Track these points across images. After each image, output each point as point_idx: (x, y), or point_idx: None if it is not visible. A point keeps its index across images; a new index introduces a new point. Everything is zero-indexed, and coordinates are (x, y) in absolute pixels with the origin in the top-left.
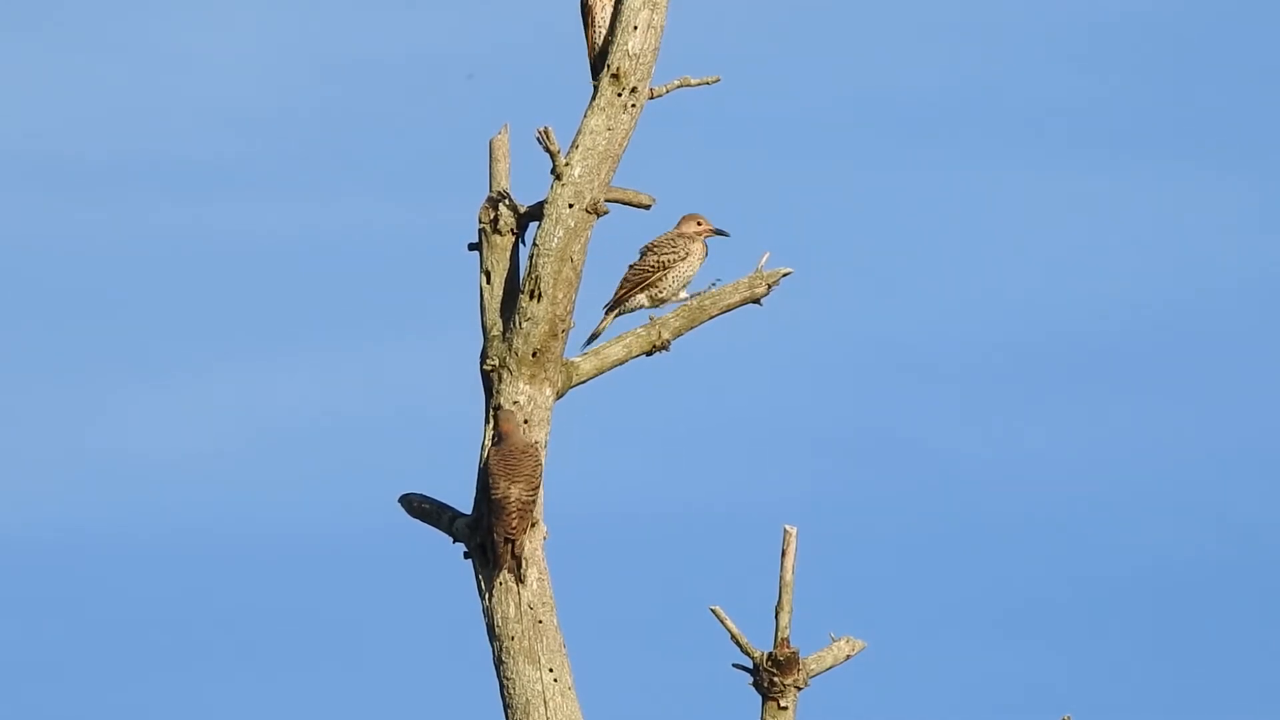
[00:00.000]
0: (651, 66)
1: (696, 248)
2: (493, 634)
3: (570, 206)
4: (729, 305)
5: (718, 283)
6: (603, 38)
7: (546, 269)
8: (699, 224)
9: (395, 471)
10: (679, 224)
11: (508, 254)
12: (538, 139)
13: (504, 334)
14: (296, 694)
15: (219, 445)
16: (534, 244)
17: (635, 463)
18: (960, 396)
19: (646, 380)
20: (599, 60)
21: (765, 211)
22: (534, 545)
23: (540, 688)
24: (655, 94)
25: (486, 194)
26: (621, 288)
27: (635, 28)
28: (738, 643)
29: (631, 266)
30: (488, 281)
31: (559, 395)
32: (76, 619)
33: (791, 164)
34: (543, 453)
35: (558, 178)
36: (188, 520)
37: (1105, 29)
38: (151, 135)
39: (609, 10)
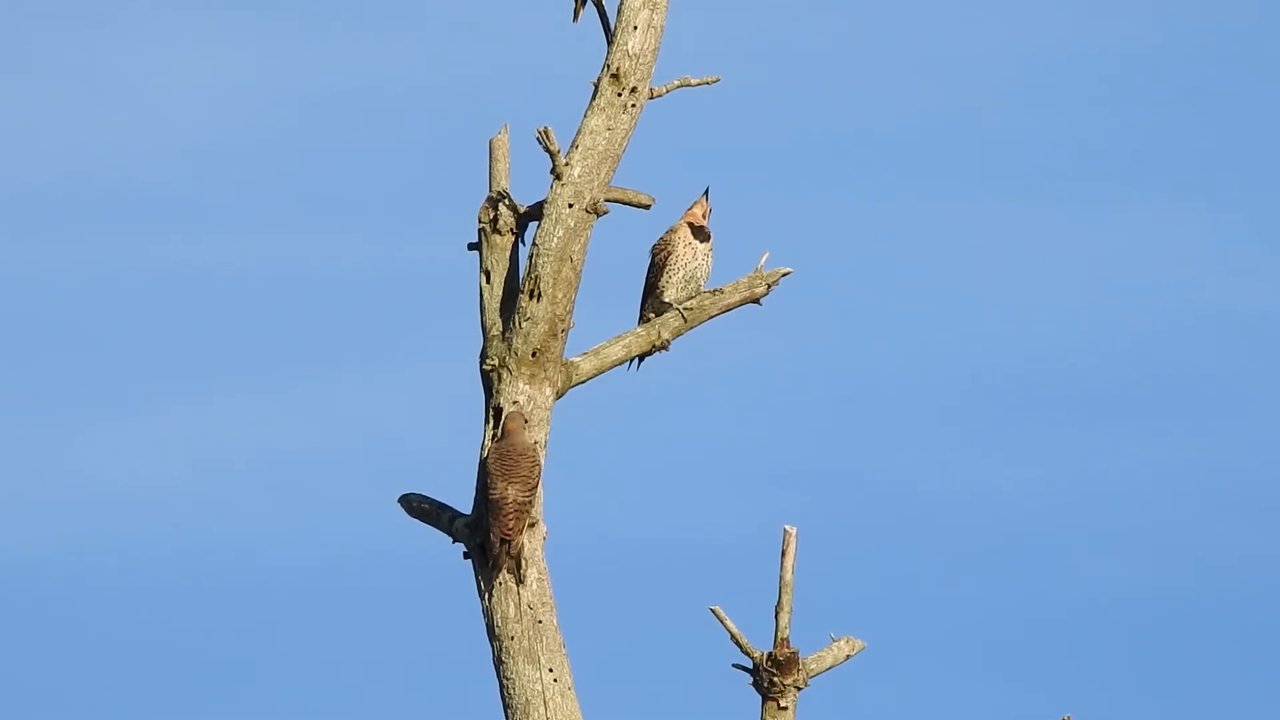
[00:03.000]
0: (651, 66)
1: (679, 237)
2: (492, 634)
3: (570, 206)
4: (729, 305)
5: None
6: None
7: (546, 269)
8: (701, 208)
9: (388, 481)
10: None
11: (507, 254)
12: (537, 139)
13: (504, 334)
14: (303, 691)
15: (204, 472)
16: (534, 244)
17: (636, 465)
18: (924, 430)
19: (646, 383)
20: None
21: (764, 212)
22: (533, 545)
23: (540, 688)
24: (655, 94)
25: (485, 195)
26: (645, 295)
27: (635, 28)
28: (737, 643)
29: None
30: (487, 281)
31: (559, 395)
32: (38, 643)
33: (776, 176)
34: (542, 453)
35: (557, 177)
36: (161, 548)
37: (1072, 67)
38: (107, 168)
39: None
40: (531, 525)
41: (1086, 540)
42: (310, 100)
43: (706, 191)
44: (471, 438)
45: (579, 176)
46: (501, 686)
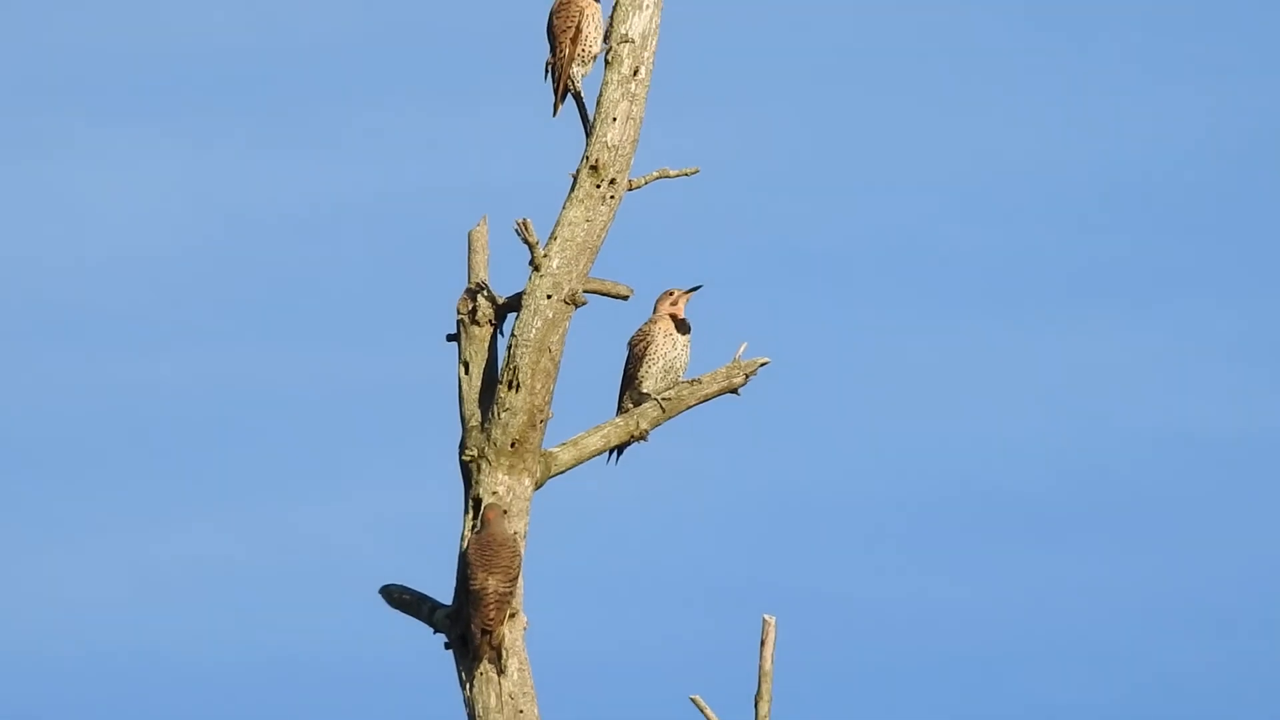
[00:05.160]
0: (630, 158)
1: (658, 329)
2: None
3: (548, 297)
4: (707, 395)
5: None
6: (585, 57)
7: (525, 359)
8: (671, 300)
9: (371, 577)
10: (655, 304)
11: (486, 345)
12: (516, 231)
13: (483, 424)
14: None
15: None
16: (512, 335)
17: (615, 554)
18: (872, 543)
19: (624, 473)
20: (561, 88)
21: (742, 302)
22: (514, 635)
23: None
24: (634, 185)
25: (465, 286)
26: (623, 386)
27: (614, 119)
28: None
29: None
30: (466, 372)
31: (538, 485)
32: None
33: (746, 274)
34: (522, 543)
35: (536, 269)
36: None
37: (1034, 187)
38: (55, 286)
39: (593, 30)
40: (512, 615)
41: (1029, 656)
42: (251, 215)
43: (698, 287)
44: (451, 529)
45: (557, 268)
46: None
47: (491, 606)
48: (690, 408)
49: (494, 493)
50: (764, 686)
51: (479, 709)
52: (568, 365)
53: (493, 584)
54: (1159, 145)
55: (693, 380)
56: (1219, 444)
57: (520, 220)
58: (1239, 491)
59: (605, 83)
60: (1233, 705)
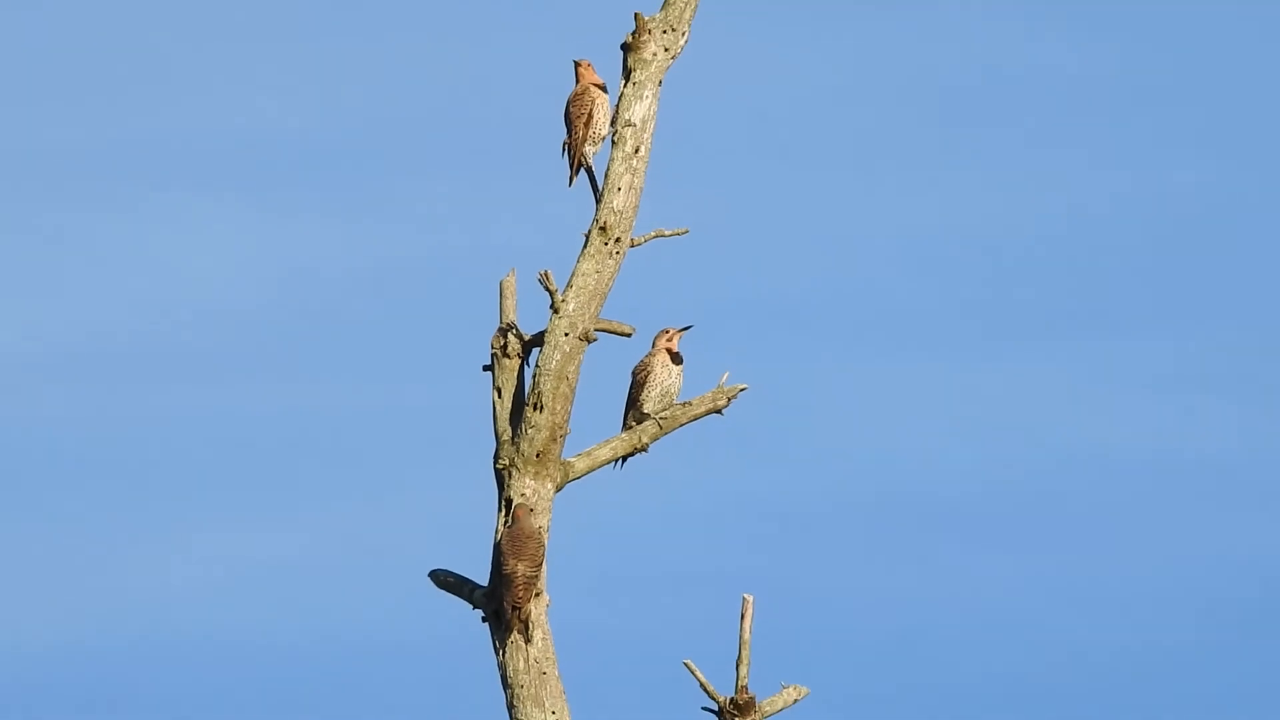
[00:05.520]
0: (632, 220)
1: (657, 361)
2: (505, 683)
3: (566, 335)
4: (695, 415)
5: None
6: (595, 138)
7: (547, 385)
8: (667, 337)
9: (421, 564)
10: (655, 339)
11: (515, 374)
12: (539, 280)
13: (513, 439)
14: None
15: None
16: (537, 365)
17: (622, 546)
18: (825, 540)
19: (628, 479)
20: (575, 164)
21: (724, 339)
22: (539, 611)
23: None
24: (635, 243)
25: (497, 325)
26: (627, 407)
27: (619, 189)
28: (706, 689)
29: (630, 391)
30: (499, 396)
31: (558, 489)
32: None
33: (730, 321)
34: (545, 536)
35: (555, 311)
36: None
37: (957, 243)
38: (140, 329)
39: (602, 116)
40: (537, 595)
41: (957, 632)
42: (315, 271)
43: (689, 327)
44: (487, 524)
45: (573, 310)
46: None
47: (520, 587)
48: (682, 425)
49: (522, 494)
50: (743, 653)
51: (510, 671)
52: (582, 390)
53: (522, 569)
54: (1073, 207)
55: (684, 402)
56: (1118, 461)
57: (542, 271)
58: (1136, 501)
59: (612, 159)
60: (1132, 675)
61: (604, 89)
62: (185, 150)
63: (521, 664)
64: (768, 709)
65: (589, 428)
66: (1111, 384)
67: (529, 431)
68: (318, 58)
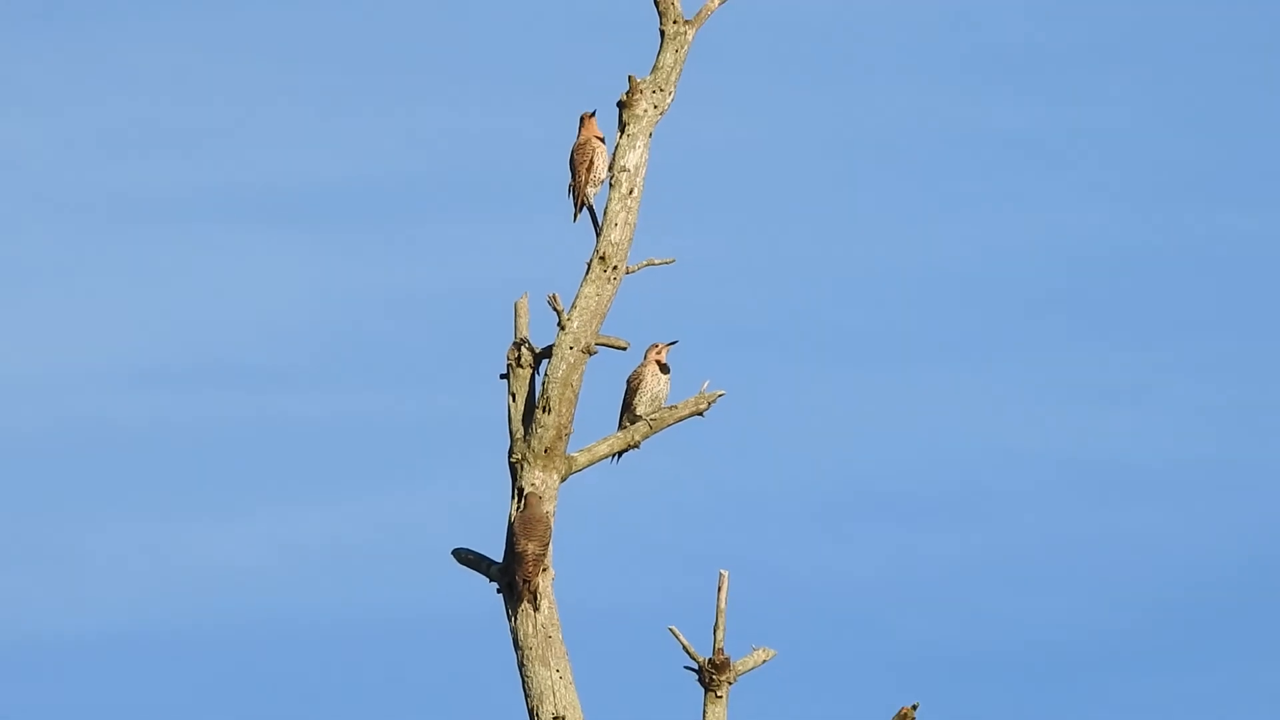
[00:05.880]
0: (628, 251)
1: (648, 370)
2: (516, 645)
3: (570, 348)
4: (680, 417)
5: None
6: (595, 181)
7: (554, 391)
8: (658, 350)
9: (446, 544)
10: (646, 352)
11: (527, 381)
12: (548, 302)
13: (525, 437)
14: (396, 679)
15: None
16: (545, 374)
17: (618, 528)
18: (791, 525)
19: (623, 472)
20: (579, 203)
21: (705, 352)
22: (546, 584)
23: (550, 683)
24: (630, 270)
25: (512, 340)
26: (622, 409)
27: (616, 224)
28: (688, 651)
29: (624, 396)
30: (513, 400)
31: (563, 479)
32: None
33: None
34: (552, 519)
35: (562, 328)
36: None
37: (897, 273)
38: (231, 344)
39: (601, 163)
40: (545, 570)
41: (906, 605)
42: (379, 298)
43: (675, 342)
44: (502, 509)
45: (577, 328)
46: (523, 681)
47: (530, 563)
48: (669, 425)
49: (532, 484)
50: (719, 620)
51: (521, 635)
52: (584, 396)
53: (531, 547)
54: (990, 249)
55: (671, 406)
56: (1033, 457)
57: (551, 294)
58: (1052, 492)
59: (609, 199)
60: (1048, 643)
61: (602, 140)
62: (254, 195)
63: (530, 629)
64: (740, 668)
65: (590, 427)
66: (1031, 393)
67: (538, 430)
68: (359, 121)
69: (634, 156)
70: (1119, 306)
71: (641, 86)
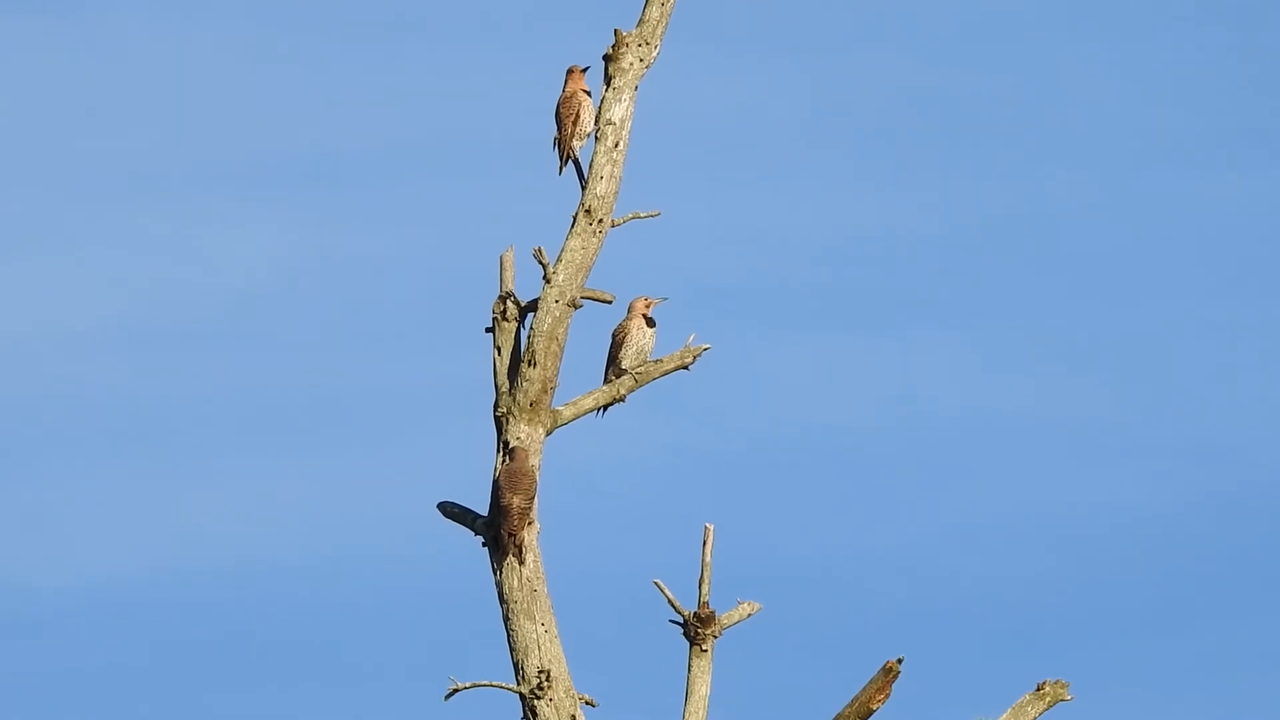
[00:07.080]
0: (613, 204)
1: (633, 324)
2: (502, 599)
3: (556, 302)
4: (666, 370)
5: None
6: (581, 134)
7: (539, 345)
8: (645, 303)
9: (432, 497)
10: (630, 305)
11: (512, 335)
12: (534, 255)
13: (510, 390)
14: (386, 634)
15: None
16: (531, 328)
17: (604, 481)
18: (761, 476)
19: (609, 425)
20: (564, 156)
21: (691, 308)
22: (531, 538)
23: (535, 636)
24: (615, 223)
25: (498, 294)
26: (608, 363)
27: (601, 177)
28: (673, 605)
29: (610, 349)
30: (499, 354)
31: (549, 433)
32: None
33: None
34: (537, 473)
35: (547, 282)
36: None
37: (854, 242)
38: (206, 307)
39: (587, 116)
40: (530, 524)
41: (877, 568)
42: (370, 255)
43: (665, 299)
44: (487, 463)
45: (563, 281)
46: (508, 635)
47: (515, 517)
48: (654, 379)
49: (518, 438)
50: (704, 574)
51: (506, 589)
52: (569, 349)
53: (517, 501)
54: (972, 209)
55: (656, 360)
56: (1006, 417)
57: (536, 248)
58: (1005, 452)
59: (595, 152)
60: (1001, 594)
61: (588, 93)
62: (235, 159)
63: (516, 582)
64: (725, 622)
65: (575, 381)
66: (1007, 354)
67: (524, 384)
68: (347, 90)
69: (619, 109)
70: (1090, 269)
71: (627, 40)
